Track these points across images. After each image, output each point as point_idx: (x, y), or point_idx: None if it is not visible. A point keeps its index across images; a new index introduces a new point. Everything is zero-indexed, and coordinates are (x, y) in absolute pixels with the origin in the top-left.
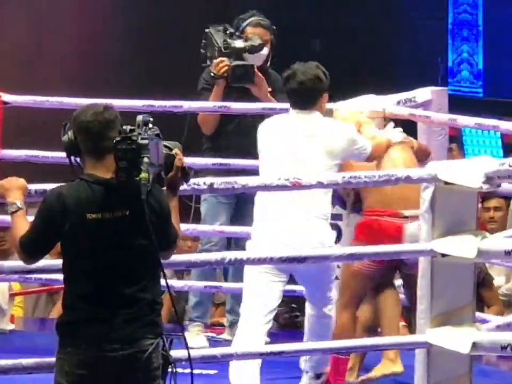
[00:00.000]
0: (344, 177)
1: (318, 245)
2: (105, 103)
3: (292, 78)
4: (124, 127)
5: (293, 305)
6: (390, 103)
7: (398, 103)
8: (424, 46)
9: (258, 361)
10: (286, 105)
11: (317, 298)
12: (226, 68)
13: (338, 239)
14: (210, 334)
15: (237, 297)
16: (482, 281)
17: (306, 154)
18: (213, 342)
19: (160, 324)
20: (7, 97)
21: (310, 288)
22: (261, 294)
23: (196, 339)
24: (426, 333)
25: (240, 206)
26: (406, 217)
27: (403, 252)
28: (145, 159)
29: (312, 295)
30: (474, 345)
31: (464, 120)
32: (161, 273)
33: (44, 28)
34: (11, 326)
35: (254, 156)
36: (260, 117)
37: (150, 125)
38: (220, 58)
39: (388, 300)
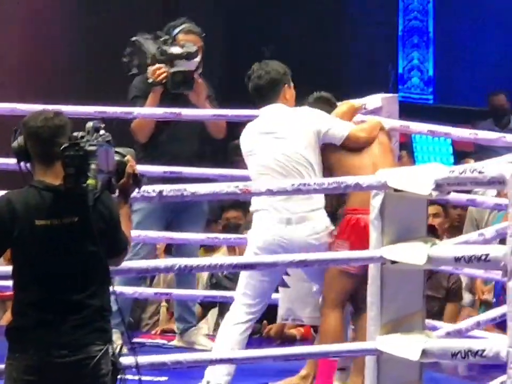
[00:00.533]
0: (293, 185)
1: (310, 239)
2: (56, 109)
3: (250, 77)
4: (75, 133)
5: None
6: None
7: None
8: (375, 53)
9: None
10: (239, 111)
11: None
12: (165, 74)
13: None
14: (161, 341)
15: (184, 304)
16: (452, 293)
17: (283, 148)
18: (164, 349)
19: (110, 330)
20: None
21: None
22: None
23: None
24: (376, 340)
25: (177, 213)
26: None
27: (353, 259)
28: (93, 166)
29: None
30: (424, 352)
31: (416, 126)
32: (110, 279)
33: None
34: None
35: (191, 163)
36: (194, 123)
37: (102, 131)
38: (157, 65)
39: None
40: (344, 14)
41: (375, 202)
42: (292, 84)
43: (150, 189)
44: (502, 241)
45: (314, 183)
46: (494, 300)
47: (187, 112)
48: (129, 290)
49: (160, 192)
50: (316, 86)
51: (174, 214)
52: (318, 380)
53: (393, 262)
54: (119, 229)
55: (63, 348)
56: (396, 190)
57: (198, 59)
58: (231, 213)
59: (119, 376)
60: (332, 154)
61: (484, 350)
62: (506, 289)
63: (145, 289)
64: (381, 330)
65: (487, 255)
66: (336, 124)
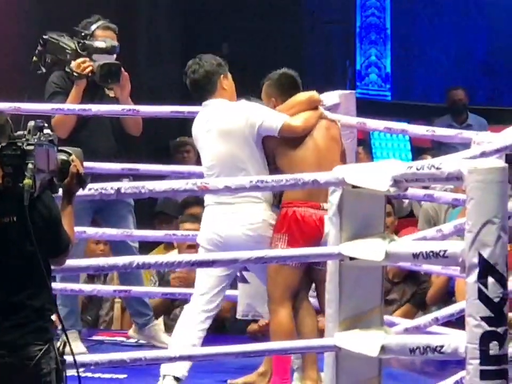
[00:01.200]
0: (251, 181)
1: (245, 230)
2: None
3: (186, 74)
4: (20, 132)
5: None
6: None
7: None
8: (333, 50)
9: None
10: (150, 108)
11: None
12: (90, 67)
13: None
14: (120, 338)
15: (137, 298)
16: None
17: (224, 145)
18: (123, 346)
19: (50, 329)
20: None
21: None
22: None
23: (74, 346)
24: (335, 336)
25: (102, 209)
26: (326, 210)
27: (311, 255)
28: (30, 165)
29: None
30: (383, 349)
31: (373, 123)
32: (49, 279)
33: None
34: None
35: (111, 158)
36: (116, 118)
37: (46, 131)
38: (82, 59)
39: (305, 317)
40: (301, 10)
41: (333, 198)
42: (228, 74)
43: (108, 186)
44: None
45: (272, 180)
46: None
47: (147, 109)
48: (87, 288)
49: (118, 189)
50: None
51: (96, 213)
52: (274, 377)
53: (351, 259)
54: (60, 229)
55: (1, 348)
56: (353, 187)
57: (115, 55)
58: (193, 209)
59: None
60: (275, 147)
61: (442, 346)
62: (466, 285)
63: (103, 286)
64: (339, 327)
65: (445, 251)
66: (269, 115)
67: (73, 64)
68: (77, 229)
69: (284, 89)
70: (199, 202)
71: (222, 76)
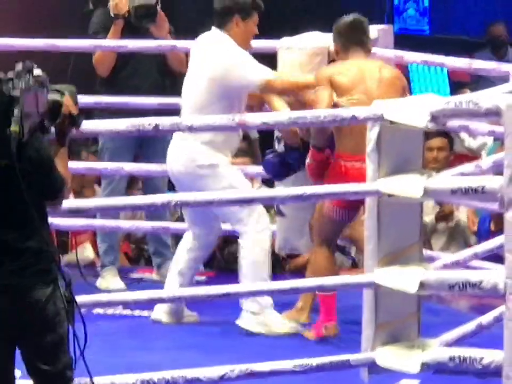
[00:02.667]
0: (290, 117)
1: (180, 169)
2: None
3: None
4: (5, 75)
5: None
6: None
7: None
8: None
9: None
10: (183, 43)
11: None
12: (126, 7)
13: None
14: (141, 275)
15: (158, 238)
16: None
17: (193, 78)
18: (162, 284)
19: (54, 270)
20: None
21: None
22: None
23: (113, 282)
24: (374, 273)
25: (143, 148)
26: None
27: (347, 193)
28: (15, 112)
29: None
30: (422, 285)
31: (410, 56)
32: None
33: None
34: None
35: (156, 94)
36: (159, 56)
37: (36, 72)
38: None
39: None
40: None
41: (372, 135)
42: (249, 18)
43: (146, 122)
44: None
45: (312, 116)
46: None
47: (182, 45)
48: (126, 224)
49: (156, 125)
50: (314, 17)
51: (139, 148)
52: (320, 316)
53: (389, 195)
54: (52, 171)
55: (5, 292)
56: (391, 122)
57: None
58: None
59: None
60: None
61: (481, 282)
62: (504, 220)
63: (141, 222)
64: (378, 264)
65: (483, 186)
66: (250, 74)
67: (111, 3)
68: (114, 165)
69: (342, 38)
70: (245, 137)
71: (238, 16)
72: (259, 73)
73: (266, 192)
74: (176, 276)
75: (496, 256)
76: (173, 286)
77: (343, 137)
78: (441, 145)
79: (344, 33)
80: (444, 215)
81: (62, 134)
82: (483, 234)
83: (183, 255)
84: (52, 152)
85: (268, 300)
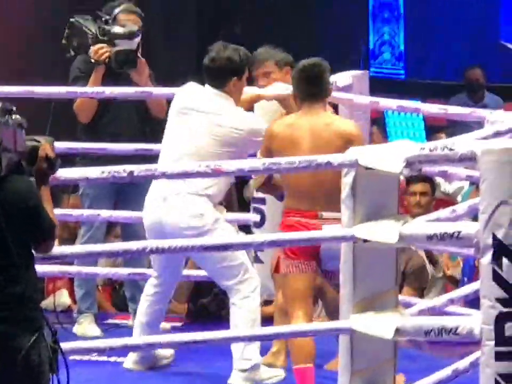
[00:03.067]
0: (264, 164)
1: (189, 223)
2: None
3: (207, 53)
4: None
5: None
6: None
7: None
8: (346, 28)
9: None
10: (162, 89)
11: (220, 285)
12: (107, 53)
13: (261, 223)
14: (118, 321)
15: (135, 284)
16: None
17: (195, 133)
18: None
19: (38, 317)
20: None
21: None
22: None
23: (90, 329)
24: (350, 318)
25: (123, 194)
26: (324, 219)
27: (324, 238)
28: None
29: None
30: (398, 331)
31: (386, 102)
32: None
33: None
34: None
35: (136, 141)
36: (140, 103)
37: (14, 115)
38: (99, 45)
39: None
40: None
41: (346, 180)
42: (244, 76)
43: (121, 169)
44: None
45: (285, 162)
46: (465, 279)
47: (158, 91)
48: (103, 271)
49: (131, 172)
50: None
51: (119, 195)
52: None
53: (365, 241)
54: (41, 214)
55: None
56: (367, 168)
57: (138, 39)
58: None
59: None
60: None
61: (457, 328)
62: (479, 266)
63: (118, 269)
64: (354, 309)
65: (459, 232)
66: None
67: (91, 49)
68: (92, 211)
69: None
70: None
71: (235, 78)
72: (262, 132)
73: (243, 238)
74: (143, 327)
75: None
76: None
77: (288, 193)
78: (424, 190)
79: (296, 82)
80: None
81: (41, 177)
82: (469, 276)
83: (149, 306)
84: (37, 193)
85: (258, 356)
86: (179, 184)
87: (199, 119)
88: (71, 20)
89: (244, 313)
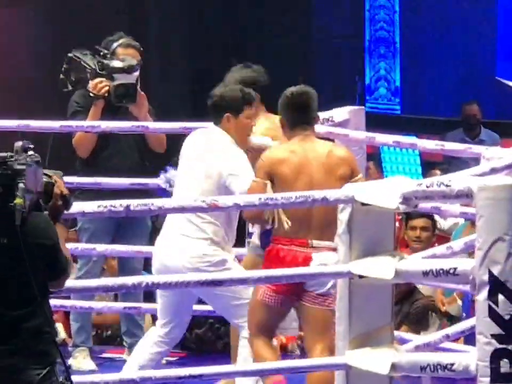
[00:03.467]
0: (260, 199)
1: (186, 265)
2: None
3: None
4: (3, 153)
5: (217, 325)
6: None
7: None
8: (342, 64)
9: None
10: (159, 124)
11: (231, 322)
12: (107, 87)
13: None
14: (112, 355)
15: (131, 318)
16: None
17: (193, 172)
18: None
19: (52, 352)
20: None
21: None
22: None
23: (85, 363)
24: (345, 354)
25: (122, 229)
26: (314, 247)
27: (320, 274)
28: (21, 185)
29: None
30: (393, 366)
31: (382, 138)
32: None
33: None
34: None
35: (132, 176)
36: (140, 136)
37: (31, 152)
38: (99, 79)
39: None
40: (310, 25)
41: (343, 216)
42: (241, 113)
43: (117, 204)
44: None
45: (282, 197)
46: (464, 314)
47: (154, 126)
48: (97, 305)
49: (127, 206)
50: None
51: (118, 229)
52: None
53: (361, 277)
54: (58, 252)
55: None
56: (363, 204)
57: (137, 73)
58: None
59: None
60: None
61: (453, 364)
62: (475, 302)
63: (114, 303)
64: (349, 345)
65: (455, 268)
66: (238, 182)
67: (90, 84)
68: (88, 245)
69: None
70: None
71: (229, 114)
72: (244, 185)
73: (235, 274)
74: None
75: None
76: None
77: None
78: (425, 225)
79: (287, 109)
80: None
81: (55, 214)
82: (467, 312)
83: (147, 350)
84: (55, 231)
85: None
86: (184, 228)
87: (198, 164)
88: (69, 54)
89: (242, 352)
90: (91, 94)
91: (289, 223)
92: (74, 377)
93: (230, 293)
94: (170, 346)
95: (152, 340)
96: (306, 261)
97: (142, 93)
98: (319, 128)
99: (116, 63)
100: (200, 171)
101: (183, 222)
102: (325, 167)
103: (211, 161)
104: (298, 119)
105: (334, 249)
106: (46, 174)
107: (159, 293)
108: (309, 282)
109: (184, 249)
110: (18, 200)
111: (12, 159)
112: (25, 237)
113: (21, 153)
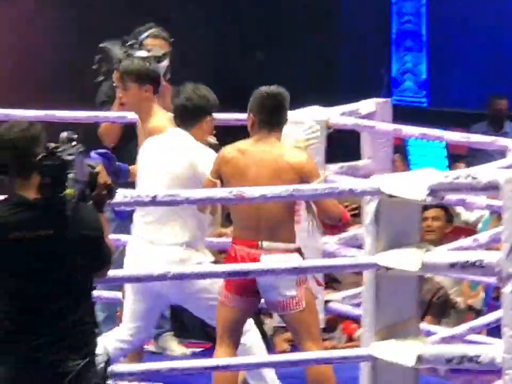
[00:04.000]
0: (288, 190)
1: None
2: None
3: (179, 94)
4: (50, 144)
5: None
6: (335, 114)
7: (343, 115)
8: (368, 57)
9: None
10: (232, 115)
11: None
12: None
13: None
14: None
15: None
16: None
17: (157, 174)
18: (160, 355)
19: (91, 343)
20: None
21: None
22: None
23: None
24: (371, 346)
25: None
26: (264, 249)
27: (346, 266)
28: (71, 176)
29: None
30: (419, 358)
31: (409, 130)
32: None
33: None
34: None
35: None
36: None
37: (74, 142)
38: None
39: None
40: (337, 19)
41: (369, 208)
42: (211, 116)
43: (144, 194)
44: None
45: (308, 189)
46: (486, 308)
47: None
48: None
49: (154, 197)
50: (309, 90)
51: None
52: None
53: (387, 269)
54: (103, 242)
55: (37, 362)
56: (390, 196)
57: (165, 63)
58: None
59: None
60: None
61: (479, 356)
62: (502, 294)
63: None
64: (375, 337)
65: (482, 260)
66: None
67: (114, 74)
68: (114, 236)
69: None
70: None
71: (208, 117)
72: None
73: (265, 265)
74: None
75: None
76: None
77: (235, 220)
78: (436, 215)
79: (257, 108)
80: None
81: (100, 204)
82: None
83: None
84: (101, 221)
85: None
86: (156, 235)
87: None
88: (101, 45)
89: (256, 343)
90: (114, 84)
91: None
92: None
93: (205, 293)
94: (133, 347)
95: (117, 337)
96: (255, 261)
97: (165, 83)
98: (346, 120)
99: (141, 53)
100: (168, 169)
101: (154, 229)
102: (271, 171)
103: (183, 158)
104: (270, 120)
105: (287, 251)
106: (89, 165)
107: (131, 298)
108: (262, 293)
109: (160, 258)
110: (69, 191)
111: (60, 150)
112: (72, 228)
113: (66, 144)
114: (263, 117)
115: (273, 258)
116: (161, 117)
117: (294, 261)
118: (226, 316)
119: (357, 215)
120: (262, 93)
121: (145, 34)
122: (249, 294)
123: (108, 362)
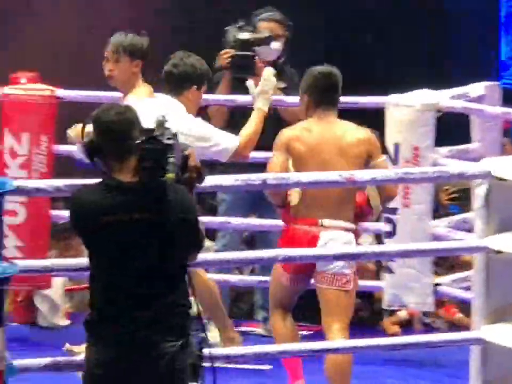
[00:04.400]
0: (397, 173)
1: None
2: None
3: (168, 61)
4: (149, 128)
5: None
6: (444, 97)
7: (452, 98)
8: (477, 40)
9: None
10: (292, 98)
11: None
12: (228, 59)
13: (392, 233)
14: (249, 328)
15: (266, 293)
16: None
17: None
18: (253, 337)
19: (186, 325)
20: (60, 92)
21: None
22: None
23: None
24: (481, 329)
25: (257, 203)
26: (325, 226)
27: (456, 249)
28: (171, 159)
29: None
30: None
31: None
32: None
33: (90, 23)
34: (66, 322)
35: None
36: (273, 110)
37: (166, 125)
38: (225, 50)
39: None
40: (446, 3)
41: (480, 191)
42: (202, 87)
43: (254, 177)
44: None
45: (419, 172)
46: None
47: (290, 100)
48: (232, 278)
49: (264, 180)
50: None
51: (254, 203)
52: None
53: (498, 252)
54: (198, 226)
55: (135, 343)
56: (500, 179)
57: (275, 46)
58: None
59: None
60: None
61: None
62: None
63: (248, 277)
64: (486, 320)
65: None
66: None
67: (218, 56)
68: (221, 219)
69: (314, 94)
70: None
71: (195, 86)
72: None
73: (375, 248)
74: None
75: None
76: None
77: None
78: None
79: (314, 89)
80: None
81: (190, 187)
82: None
83: None
84: (195, 205)
85: None
86: None
87: None
88: (226, 28)
89: None
90: (217, 66)
91: (296, 201)
92: (209, 350)
93: None
94: None
95: None
96: (314, 240)
97: (261, 64)
98: (455, 103)
99: (243, 35)
100: None
101: None
102: (339, 148)
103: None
104: (325, 99)
105: (347, 229)
106: (181, 148)
107: None
108: (318, 263)
109: None
110: (170, 175)
111: (159, 134)
112: (173, 211)
113: (161, 128)
114: (319, 97)
115: (331, 235)
116: (142, 89)
117: (349, 239)
118: (282, 294)
119: (455, 199)
120: (315, 73)
121: (260, 17)
122: (305, 273)
123: (203, 342)
